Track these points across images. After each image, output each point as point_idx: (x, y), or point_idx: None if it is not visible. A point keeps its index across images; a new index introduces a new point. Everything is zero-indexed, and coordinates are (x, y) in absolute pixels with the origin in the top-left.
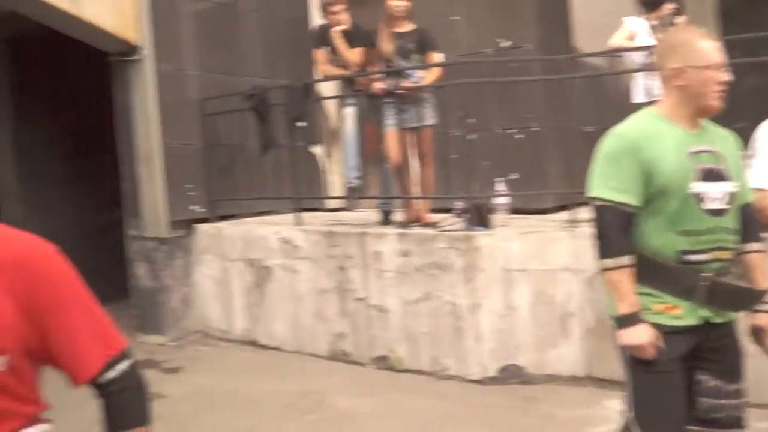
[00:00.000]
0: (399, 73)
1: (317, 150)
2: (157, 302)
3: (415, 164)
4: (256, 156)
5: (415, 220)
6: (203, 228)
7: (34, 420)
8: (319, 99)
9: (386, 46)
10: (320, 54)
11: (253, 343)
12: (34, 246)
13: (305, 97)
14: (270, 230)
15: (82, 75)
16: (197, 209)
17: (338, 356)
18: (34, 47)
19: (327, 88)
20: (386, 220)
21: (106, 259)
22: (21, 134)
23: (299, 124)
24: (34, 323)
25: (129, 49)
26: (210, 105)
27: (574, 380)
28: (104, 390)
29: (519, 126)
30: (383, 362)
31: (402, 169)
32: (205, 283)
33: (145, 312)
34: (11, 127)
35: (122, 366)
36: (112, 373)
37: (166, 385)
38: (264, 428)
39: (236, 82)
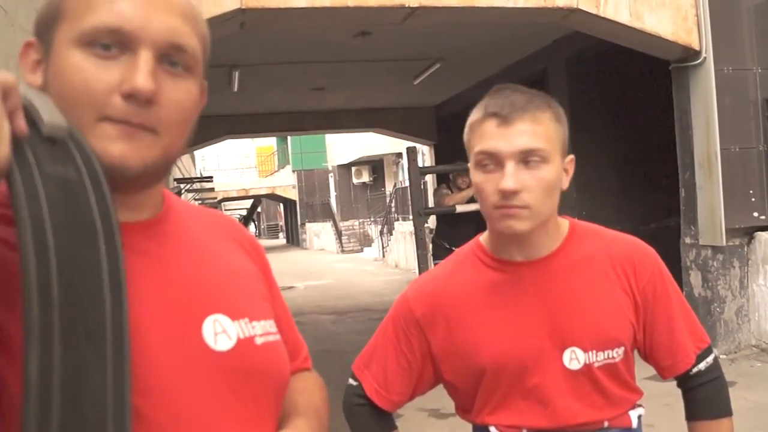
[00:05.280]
0: None
1: None
2: (710, 313)
3: None
4: None
5: None
6: (764, 236)
7: (635, 406)
8: None
9: None
10: None
11: None
12: (638, 244)
13: None
14: None
15: (637, 85)
16: (758, 216)
17: None
18: (590, 62)
19: None
20: None
21: None
22: (575, 144)
23: None
24: (641, 315)
25: (688, 55)
26: None
27: None
28: (692, 382)
29: None
30: None
31: None
32: (764, 295)
33: None
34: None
35: (710, 359)
36: (702, 365)
37: None
38: None
39: None
